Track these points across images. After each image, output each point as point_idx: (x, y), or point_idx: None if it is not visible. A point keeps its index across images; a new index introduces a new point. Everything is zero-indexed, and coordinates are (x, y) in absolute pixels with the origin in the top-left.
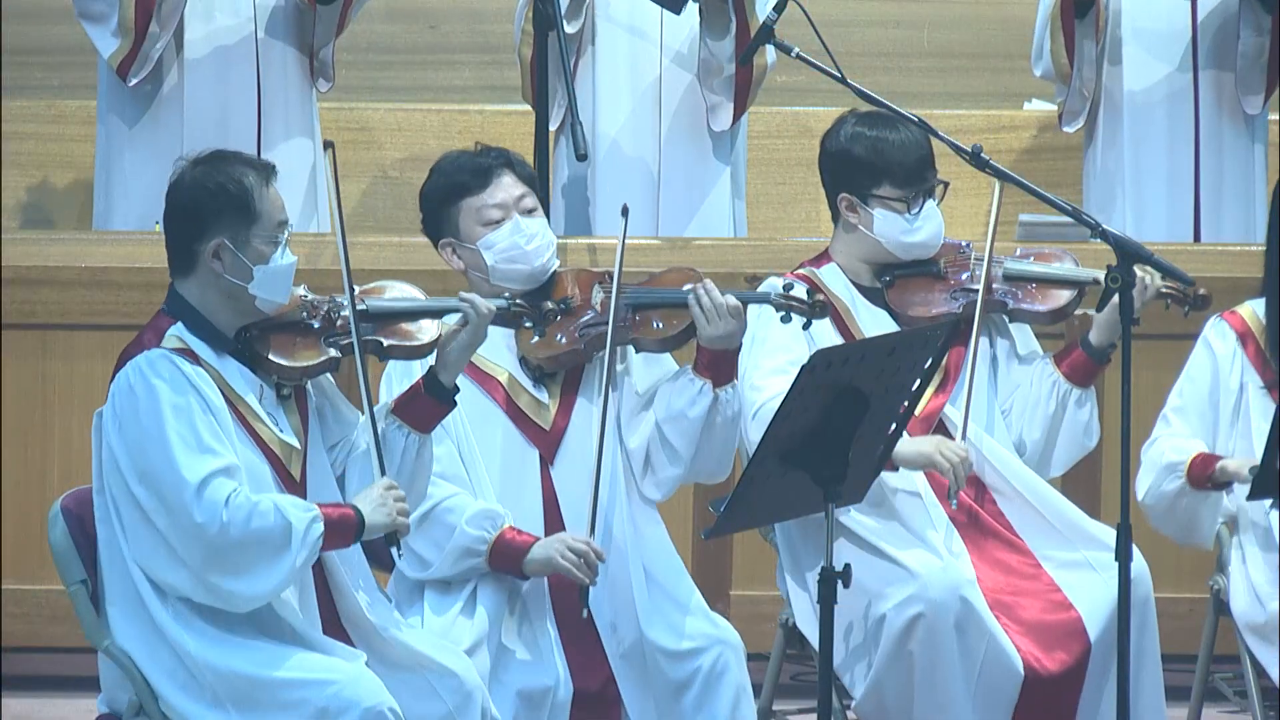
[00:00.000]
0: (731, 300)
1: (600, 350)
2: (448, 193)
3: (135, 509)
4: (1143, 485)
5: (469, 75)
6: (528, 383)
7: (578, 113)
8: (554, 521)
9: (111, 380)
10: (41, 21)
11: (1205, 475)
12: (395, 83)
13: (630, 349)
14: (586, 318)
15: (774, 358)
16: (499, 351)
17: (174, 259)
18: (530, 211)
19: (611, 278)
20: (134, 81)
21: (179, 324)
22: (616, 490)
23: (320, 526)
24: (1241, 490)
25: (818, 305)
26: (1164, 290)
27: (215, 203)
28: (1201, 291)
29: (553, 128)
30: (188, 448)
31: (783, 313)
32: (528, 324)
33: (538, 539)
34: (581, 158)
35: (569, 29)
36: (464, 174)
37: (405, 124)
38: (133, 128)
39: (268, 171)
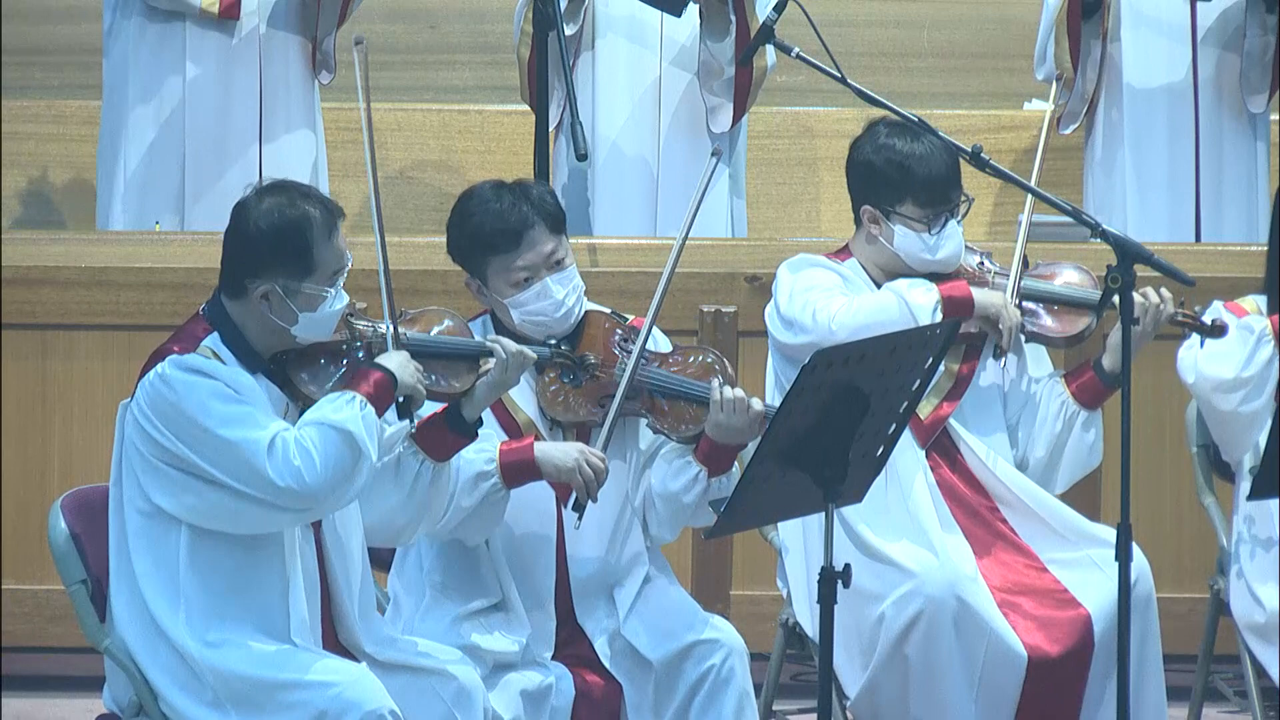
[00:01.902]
0: (757, 406)
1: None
2: (475, 247)
3: (209, 487)
4: (1229, 363)
5: (469, 75)
6: (544, 429)
7: (578, 113)
8: (566, 561)
9: (141, 375)
10: (41, 21)
11: None
12: (395, 83)
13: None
14: (607, 391)
15: (827, 291)
16: (524, 394)
17: (224, 278)
18: (559, 263)
19: (635, 337)
20: (242, 20)
21: (215, 335)
22: (619, 533)
23: (370, 409)
24: (1243, 489)
25: None
26: (1181, 319)
27: (274, 248)
28: (1219, 322)
29: (552, 127)
30: (239, 418)
31: None
32: (566, 380)
33: (533, 439)
34: (581, 158)
35: (567, 30)
36: (493, 235)
37: (405, 124)
38: (142, 119)
39: (335, 216)
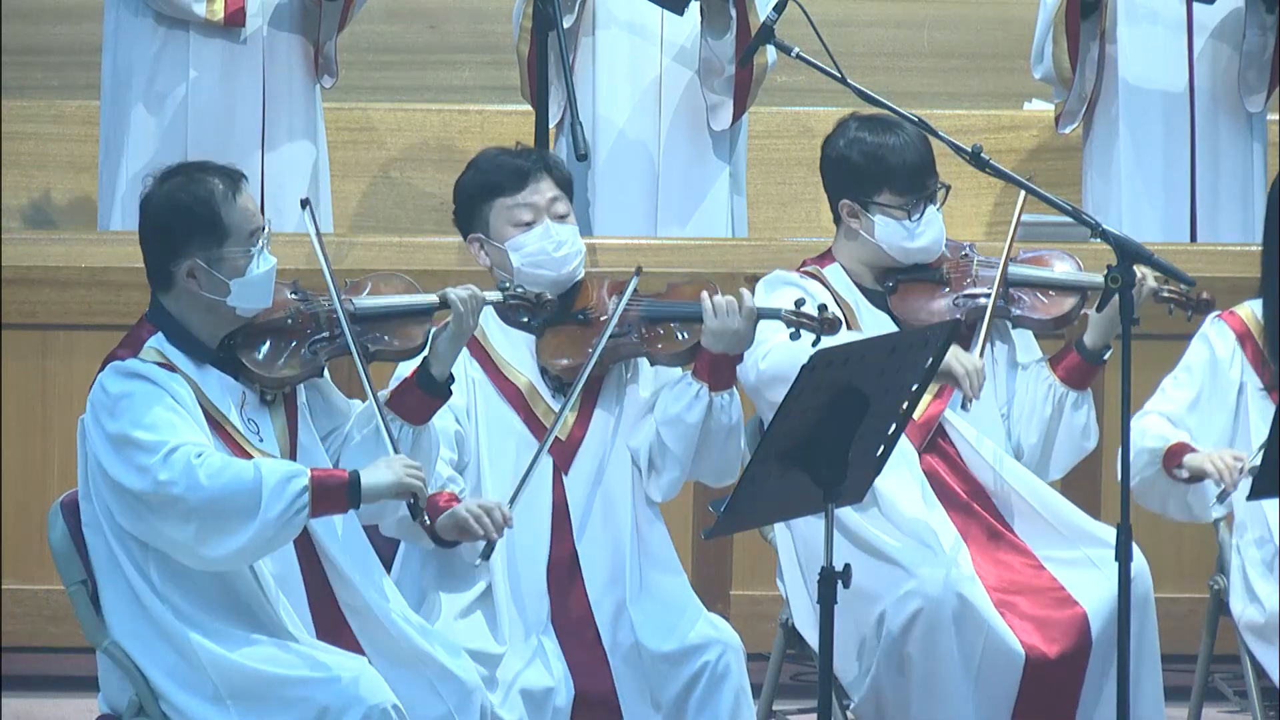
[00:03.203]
0: (748, 301)
1: (615, 361)
2: (482, 190)
3: (125, 496)
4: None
5: (469, 75)
6: (546, 393)
7: (577, 113)
8: (562, 528)
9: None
10: (41, 21)
11: (1173, 467)
12: (395, 82)
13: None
14: (601, 331)
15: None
16: (522, 358)
17: (151, 275)
18: (562, 217)
19: (630, 286)
20: (249, 29)
21: (159, 334)
22: (622, 495)
23: (303, 483)
24: (1242, 490)
25: (828, 321)
26: (1166, 295)
27: (183, 224)
28: (1205, 296)
29: (553, 125)
30: (157, 424)
31: (792, 329)
32: (524, 319)
33: (460, 502)
34: (581, 158)
35: (565, 23)
36: (501, 173)
37: (405, 124)
38: (144, 123)
39: (236, 180)
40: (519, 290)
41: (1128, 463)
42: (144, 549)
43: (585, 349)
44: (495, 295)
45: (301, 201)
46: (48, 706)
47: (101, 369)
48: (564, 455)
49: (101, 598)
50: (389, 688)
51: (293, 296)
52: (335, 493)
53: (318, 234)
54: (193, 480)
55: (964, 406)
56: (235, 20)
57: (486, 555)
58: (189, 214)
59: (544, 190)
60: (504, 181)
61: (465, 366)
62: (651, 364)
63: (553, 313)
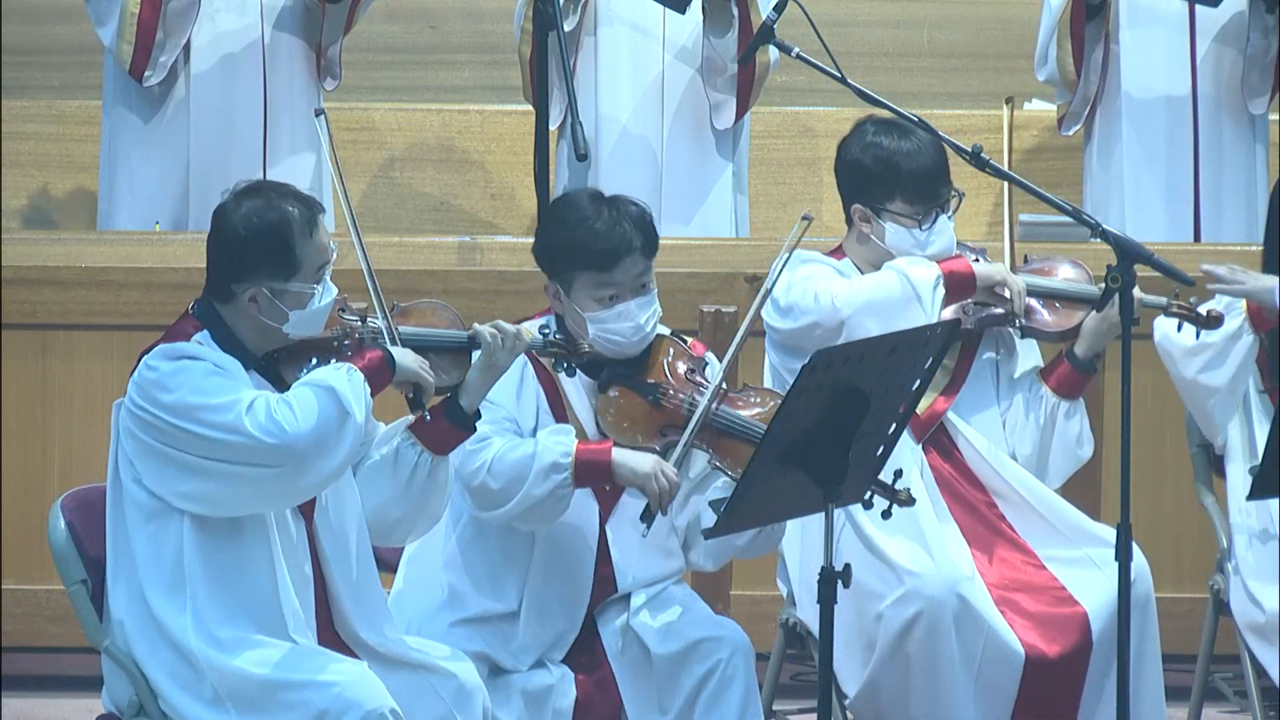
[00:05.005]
0: None
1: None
2: (570, 259)
3: (201, 462)
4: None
5: (469, 75)
6: (595, 440)
7: (578, 113)
8: (602, 567)
9: (133, 372)
10: (41, 21)
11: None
12: (395, 83)
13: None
14: (671, 420)
15: (825, 277)
16: (580, 401)
17: (211, 283)
18: (644, 286)
19: (700, 367)
20: (150, 83)
21: (205, 332)
22: (665, 551)
23: (359, 375)
24: (1242, 490)
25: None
26: (1176, 310)
27: (256, 251)
28: (1216, 312)
29: (553, 127)
30: (221, 388)
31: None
32: (561, 369)
33: (612, 443)
34: (581, 158)
35: (566, 26)
36: (592, 252)
37: (405, 124)
38: (144, 124)
39: (314, 211)
40: (558, 337)
41: (1128, 463)
42: (176, 533)
43: (649, 436)
44: (537, 341)
45: (316, 111)
46: (48, 706)
47: (140, 358)
48: (606, 503)
49: (109, 590)
50: (387, 691)
51: (342, 314)
52: (380, 371)
53: (331, 144)
54: (279, 426)
55: (1013, 325)
56: (136, 73)
57: (647, 521)
58: (263, 242)
59: (630, 267)
60: (594, 260)
61: (535, 393)
62: (709, 466)
63: (581, 355)
